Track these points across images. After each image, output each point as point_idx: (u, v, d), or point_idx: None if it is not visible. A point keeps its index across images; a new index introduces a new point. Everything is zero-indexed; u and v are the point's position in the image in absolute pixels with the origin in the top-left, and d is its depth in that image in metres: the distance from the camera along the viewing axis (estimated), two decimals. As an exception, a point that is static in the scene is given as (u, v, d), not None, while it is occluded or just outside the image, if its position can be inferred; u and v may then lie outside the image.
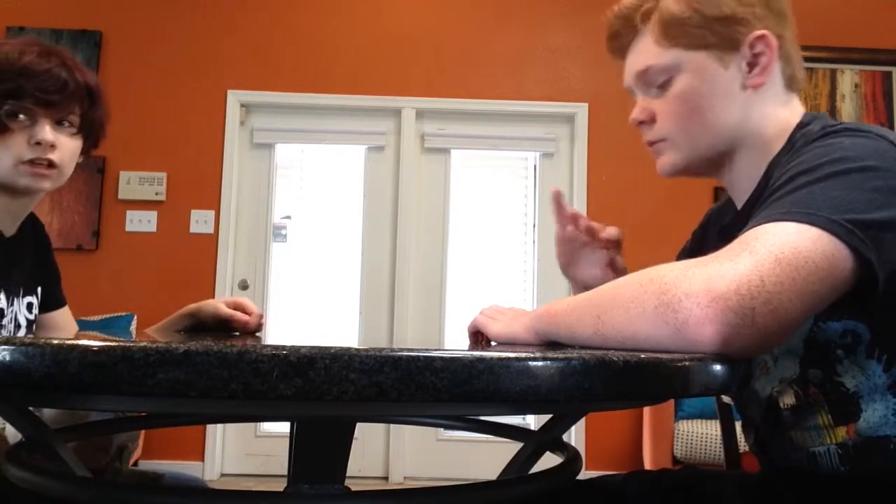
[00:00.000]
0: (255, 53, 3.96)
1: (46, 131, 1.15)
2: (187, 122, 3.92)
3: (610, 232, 1.12)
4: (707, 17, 0.90)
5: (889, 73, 4.11)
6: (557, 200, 1.11)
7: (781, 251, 0.65)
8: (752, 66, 0.91)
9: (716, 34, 0.90)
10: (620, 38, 0.98)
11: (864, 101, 4.07)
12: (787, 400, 0.87)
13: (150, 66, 3.94)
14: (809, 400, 0.84)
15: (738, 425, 2.07)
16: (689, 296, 0.63)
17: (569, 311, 0.75)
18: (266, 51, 3.97)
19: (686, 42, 0.91)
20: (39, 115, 1.15)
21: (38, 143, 1.15)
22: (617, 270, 1.13)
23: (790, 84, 0.94)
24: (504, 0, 4.07)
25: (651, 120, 0.96)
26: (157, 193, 3.86)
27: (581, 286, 1.15)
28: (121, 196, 3.86)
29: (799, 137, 0.87)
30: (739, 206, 0.95)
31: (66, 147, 1.19)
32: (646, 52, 0.94)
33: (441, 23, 4.04)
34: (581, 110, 4.01)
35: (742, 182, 0.94)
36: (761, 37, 0.90)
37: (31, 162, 1.15)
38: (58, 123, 1.18)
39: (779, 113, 0.92)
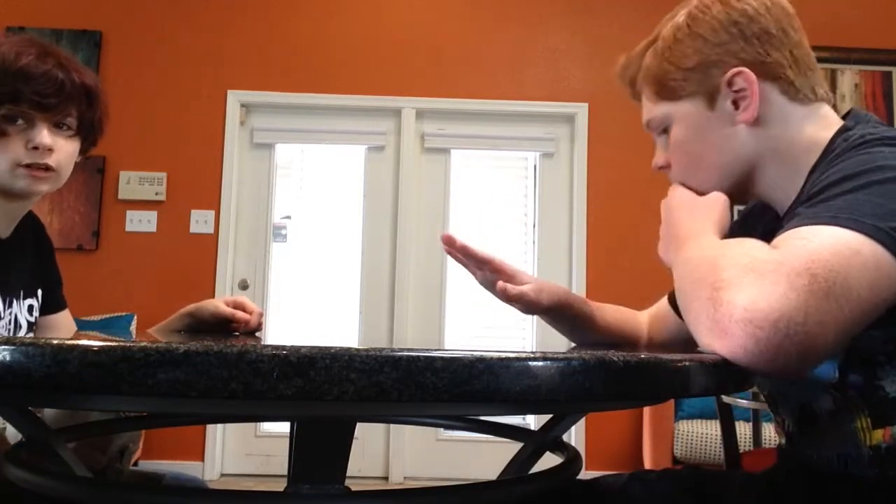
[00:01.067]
0: (255, 53, 3.96)
1: (44, 135, 1.14)
2: (187, 122, 3.92)
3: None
4: (682, 68, 0.92)
5: (889, 73, 4.11)
6: (461, 247, 1.04)
7: (836, 280, 0.65)
8: (736, 103, 0.90)
9: (694, 82, 0.92)
10: (631, 91, 1.02)
11: (864, 101, 4.07)
12: (824, 405, 0.85)
13: (150, 66, 3.94)
14: (848, 404, 0.83)
15: (738, 425, 2.08)
16: (730, 303, 0.66)
17: (678, 271, 0.82)
18: (266, 51, 3.97)
19: (670, 94, 0.94)
20: (37, 119, 1.14)
21: (36, 148, 1.13)
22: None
23: (804, 99, 0.91)
24: (504, 0, 4.07)
25: (668, 165, 0.99)
26: (157, 193, 3.86)
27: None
28: (121, 196, 3.85)
29: (840, 142, 0.86)
30: (782, 213, 0.94)
31: (63, 150, 1.18)
32: (645, 105, 0.99)
33: (441, 23, 4.03)
34: (581, 110, 4.00)
35: (778, 194, 0.93)
36: (737, 73, 0.89)
37: (29, 166, 1.14)
38: (55, 126, 1.17)
39: (803, 129, 0.90)
